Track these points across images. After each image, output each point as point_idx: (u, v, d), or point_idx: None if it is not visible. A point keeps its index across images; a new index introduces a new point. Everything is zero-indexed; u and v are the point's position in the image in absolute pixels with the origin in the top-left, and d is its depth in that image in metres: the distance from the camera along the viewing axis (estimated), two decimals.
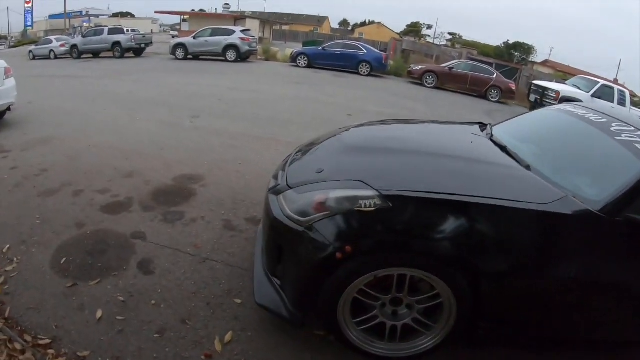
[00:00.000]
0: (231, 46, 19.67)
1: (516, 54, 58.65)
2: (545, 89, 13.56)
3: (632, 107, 14.27)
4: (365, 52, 19.32)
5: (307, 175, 2.78)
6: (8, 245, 3.43)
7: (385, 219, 2.29)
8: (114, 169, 5.07)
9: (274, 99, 10.65)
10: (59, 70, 16.34)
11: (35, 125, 7.11)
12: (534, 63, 53.28)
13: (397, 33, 60.00)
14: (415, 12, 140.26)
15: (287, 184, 2.76)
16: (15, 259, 3.27)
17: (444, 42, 60.27)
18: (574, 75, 18.72)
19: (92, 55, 22.73)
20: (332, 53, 19.38)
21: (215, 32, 20.24)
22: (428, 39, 61.39)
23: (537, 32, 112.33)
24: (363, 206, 2.29)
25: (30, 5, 47.41)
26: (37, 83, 12.52)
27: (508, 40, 61.06)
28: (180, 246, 3.53)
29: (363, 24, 75.07)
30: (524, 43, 59.20)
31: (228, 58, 19.73)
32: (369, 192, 2.35)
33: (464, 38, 65.42)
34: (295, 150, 3.51)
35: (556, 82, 17.44)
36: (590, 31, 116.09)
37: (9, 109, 7.03)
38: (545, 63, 54.93)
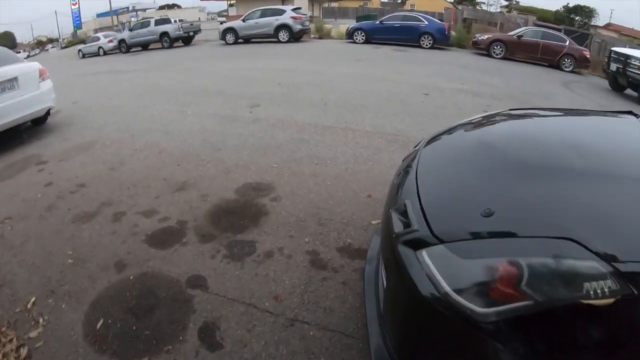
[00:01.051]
0: (283, 26, 18.49)
1: (577, 18, 54.80)
2: (628, 56, 11.71)
3: None
4: (427, 23, 17.64)
5: (465, 217, 1.68)
6: (34, 298, 2.66)
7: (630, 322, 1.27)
8: (163, 179, 4.17)
9: (337, 80, 9.47)
10: (107, 66, 15.87)
11: (77, 127, 6.40)
12: (596, 27, 49.52)
13: (450, 2, 57.15)
14: None
15: (431, 232, 1.64)
16: (41, 320, 2.49)
17: (499, 9, 56.80)
18: (638, 39, 16.72)
19: (140, 48, 22.34)
20: (391, 26, 17.81)
21: (265, 13, 19.07)
22: (483, 7, 58.07)
23: None
24: (592, 295, 1.24)
25: (76, 6, 48.46)
26: (84, 81, 12.02)
27: (568, 3, 56.99)
28: (256, 299, 2.53)
29: None
30: (584, 6, 55.19)
31: (281, 39, 18.62)
32: (596, 266, 1.28)
33: (520, 4, 61.36)
34: (415, 157, 2.36)
35: (636, 48, 15.37)
36: None
37: (48, 113, 6.38)
38: (608, 27, 50.66)
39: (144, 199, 3.80)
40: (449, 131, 2.62)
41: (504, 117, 2.86)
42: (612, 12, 73.05)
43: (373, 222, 3.38)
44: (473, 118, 2.82)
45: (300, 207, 3.56)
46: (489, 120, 2.74)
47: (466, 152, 2.20)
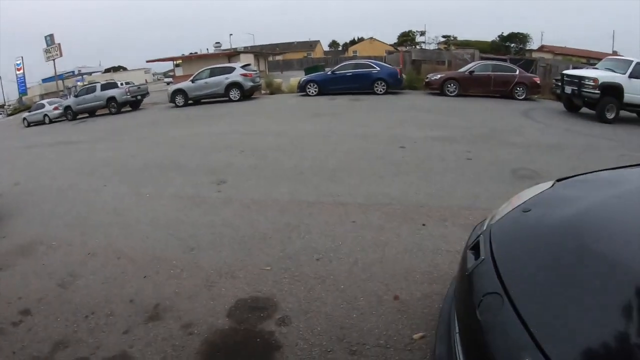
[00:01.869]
0: (234, 84, 17.91)
1: (512, 45, 57.60)
2: (580, 77, 12.38)
3: None
4: (379, 69, 17.66)
5: None
6: None
7: None
8: (129, 301, 3.26)
9: (304, 142, 8.89)
10: (53, 137, 14.80)
11: (18, 220, 5.45)
12: (531, 51, 52.09)
13: (391, 45, 58.88)
14: (398, 21, 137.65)
15: None
16: None
17: (437, 46, 58.97)
18: (572, 56, 17.68)
19: (87, 115, 21.22)
20: (344, 75, 17.69)
21: (214, 72, 18.53)
22: (423, 46, 60.16)
23: (522, 19, 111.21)
24: None
25: (21, 72, 46.91)
26: (29, 154, 11.05)
27: (502, 32, 60.15)
28: None
29: (354, 42, 74.14)
30: (519, 33, 58.44)
31: (232, 97, 17.99)
32: None
33: (458, 38, 64.09)
34: (502, 257, 2.02)
35: (585, 68, 16.38)
36: (576, 7, 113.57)
37: None
38: (542, 49, 53.59)
39: (109, 335, 2.87)
40: (524, 214, 2.29)
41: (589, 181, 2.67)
42: (542, 34, 77.71)
43: (415, 336, 2.68)
44: (539, 191, 2.52)
45: (319, 330, 2.76)
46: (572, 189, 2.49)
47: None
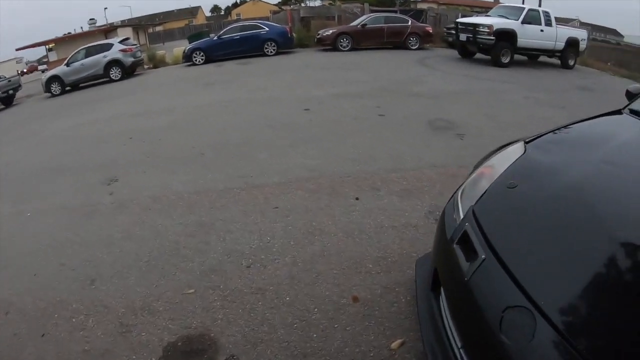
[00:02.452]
0: (113, 62, 16.06)
1: None
2: (475, 25, 12.96)
3: (558, 25, 14.24)
4: (268, 29, 16.87)
5: None
6: None
7: None
8: None
9: (199, 115, 7.96)
10: None
11: None
12: (416, 2, 53.13)
13: (275, 5, 57.31)
14: None
15: None
16: None
17: (322, 3, 58.19)
18: (456, 5, 18.67)
19: None
20: (231, 40, 16.59)
21: (90, 52, 16.41)
22: (309, 3, 59.07)
23: None
24: None
25: None
26: None
27: None
28: None
29: (236, 5, 71.18)
30: None
31: (113, 77, 16.10)
32: None
33: None
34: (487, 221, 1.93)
35: (478, 15, 17.59)
36: None
37: None
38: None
39: None
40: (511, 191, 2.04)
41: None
42: None
43: (393, 345, 2.30)
44: (513, 159, 2.29)
45: None
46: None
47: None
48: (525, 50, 13.57)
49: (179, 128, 7.16)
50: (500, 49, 12.55)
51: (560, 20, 14.86)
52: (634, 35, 27.85)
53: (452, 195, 2.37)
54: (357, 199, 4.00)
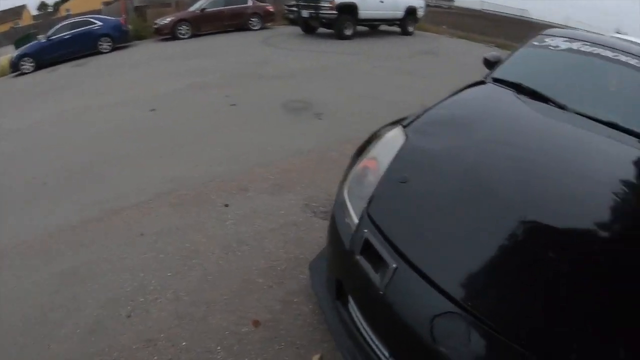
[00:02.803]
0: None
1: None
2: (316, 0, 13.02)
3: None
4: (101, 24, 15.34)
5: None
6: None
7: None
8: None
9: (29, 137, 6.62)
10: None
11: None
12: None
13: None
14: None
15: None
16: None
17: None
18: None
19: None
20: (61, 40, 14.75)
21: None
22: None
23: None
24: None
25: None
26: None
27: None
28: None
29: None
30: None
31: None
32: None
33: None
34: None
35: None
36: None
37: None
38: None
39: None
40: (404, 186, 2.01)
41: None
42: None
43: None
44: (395, 148, 2.23)
45: None
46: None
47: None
48: (367, 21, 14.22)
49: (8, 156, 5.87)
50: (343, 22, 12.93)
51: None
52: (465, 1, 30.66)
53: (338, 194, 2.24)
54: (226, 205, 3.73)
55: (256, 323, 2.44)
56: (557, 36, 3.56)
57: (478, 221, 1.76)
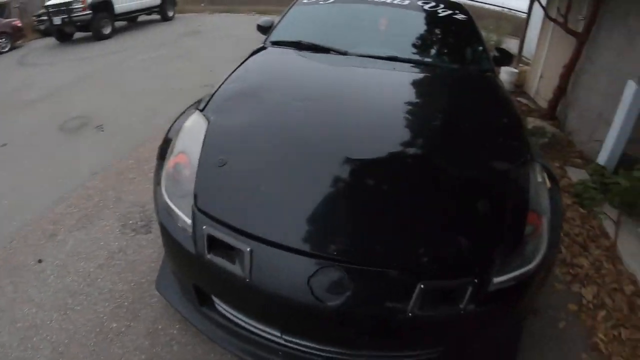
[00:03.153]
0: None
1: None
2: (68, 4, 11.70)
3: None
4: None
5: None
6: None
7: None
8: None
9: None
10: None
11: None
12: None
13: None
14: None
15: None
16: None
17: None
18: None
19: None
20: None
21: None
22: None
23: None
24: None
25: None
26: None
27: None
28: None
29: None
30: None
31: None
32: None
33: None
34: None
35: None
36: None
37: None
38: None
39: None
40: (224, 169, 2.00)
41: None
42: None
43: None
44: (201, 133, 2.21)
45: None
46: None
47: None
48: (124, 15, 13.29)
49: None
50: (100, 20, 12.02)
51: None
52: None
53: (157, 201, 2.09)
54: (40, 261, 3.11)
55: None
56: None
57: (303, 177, 1.89)
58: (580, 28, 5.89)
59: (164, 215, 1.99)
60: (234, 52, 9.56)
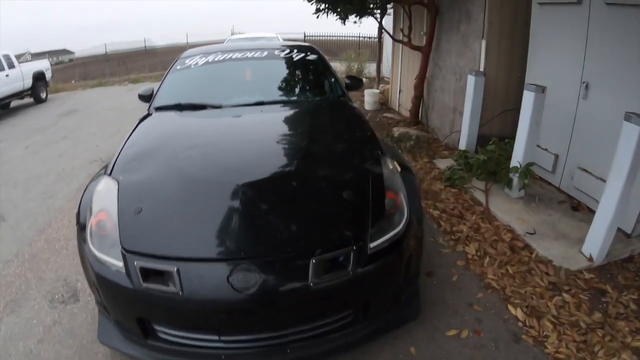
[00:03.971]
0: None
1: None
2: None
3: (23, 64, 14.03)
4: None
5: None
6: None
7: None
8: None
9: None
10: None
11: None
12: None
13: None
14: None
15: None
16: None
17: None
18: None
19: None
20: None
21: None
22: None
23: None
24: None
25: None
26: None
27: None
28: None
29: None
30: None
31: None
32: None
33: None
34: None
35: None
36: None
37: None
38: None
39: None
40: (140, 216, 2.43)
41: None
42: None
43: None
44: (111, 192, 2.63)
45: None
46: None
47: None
48: None
49: None
50: None
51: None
52: (85, 49, 29.81)
53: (84, 261, 2.45)
54: None
55: None
56: (194, 55, 4.50)
57: (203, 203, 2.41)
58: (424, 42, 6.88)
59: (98, 266, 2.29)
60: (114, 126, 9.80)
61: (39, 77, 14.39)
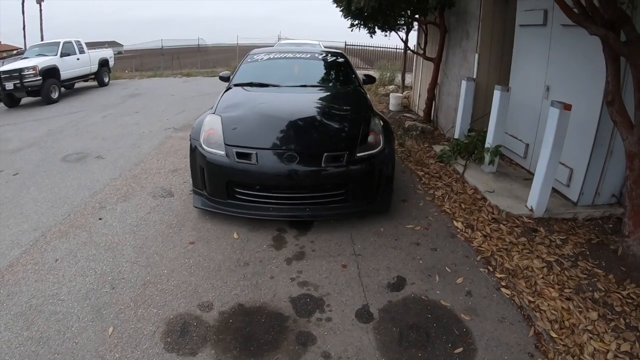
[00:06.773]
0: None
1: None
2: (20, 70, 12.41)
3: (90, 51, 15.49)
4: None
5: None
6: None
7: None
8: None
9: None
10: None
11: None
12: None
13: None
14: None
15: None
16: None
17: None
18: None
19: None
20: None
21: None
22: None
23: None
24: None
25: None
26: None
27: None
28: None
29: None
30: None
31: None
32: None
33: None
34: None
35: (15, 61, 14.53)
36: None
37: None
38: None
39: None
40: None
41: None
42: None
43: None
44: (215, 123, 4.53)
45: None
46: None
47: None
48: (69, 81, 14.31)
49: None
50: (49, 86, 12.76)
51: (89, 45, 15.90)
52: (132, 43, 31.76)
53: (195, 155, 4.29)
54: (100, 219, 4.53)
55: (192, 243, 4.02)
56: (260, 53, 6.56)
57: (273, 124, 4.37)
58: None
59: (208, 155, 4.14)
60: (179, 106, 11.26)
61: (103, 63, 16.44)
